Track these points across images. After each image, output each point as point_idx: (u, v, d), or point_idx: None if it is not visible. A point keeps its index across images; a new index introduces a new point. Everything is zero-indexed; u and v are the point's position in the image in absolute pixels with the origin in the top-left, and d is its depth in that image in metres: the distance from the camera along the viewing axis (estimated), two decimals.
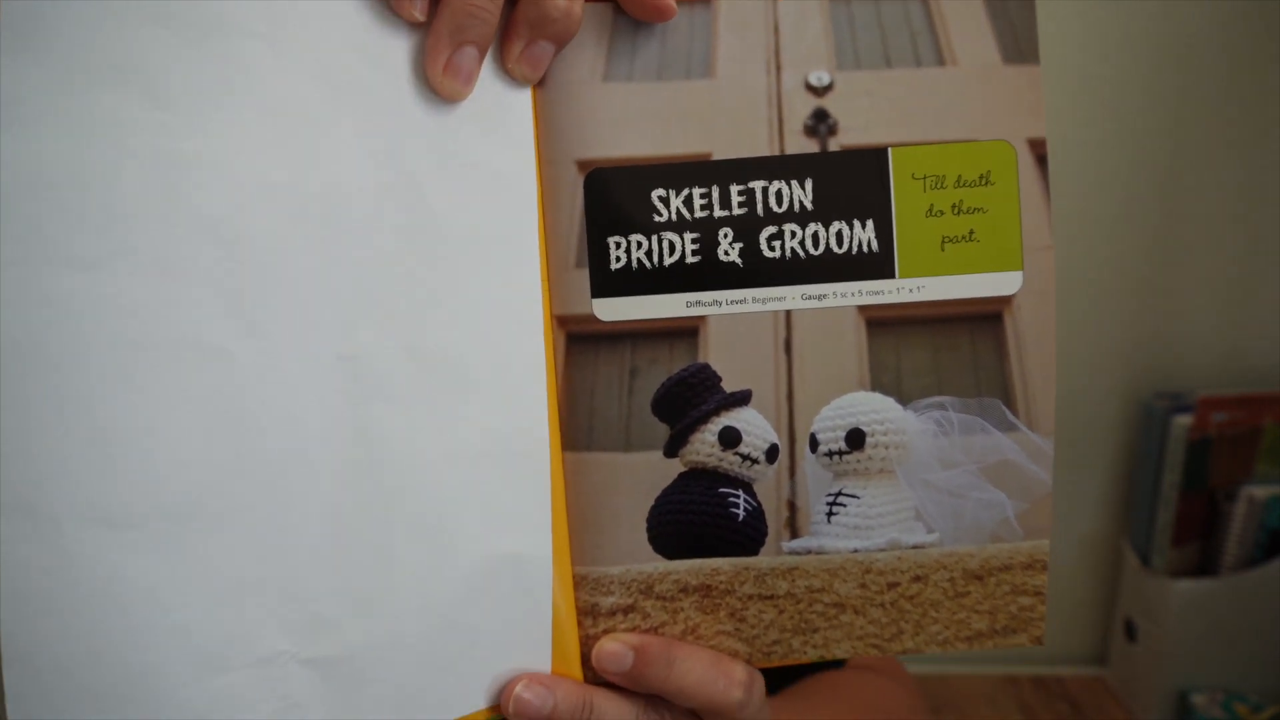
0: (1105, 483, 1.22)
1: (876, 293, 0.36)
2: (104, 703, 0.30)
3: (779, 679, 0.52)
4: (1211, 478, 1.10)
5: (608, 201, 0.36)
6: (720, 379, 0.36)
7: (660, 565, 0.37)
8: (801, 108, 0.36)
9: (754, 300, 0.36)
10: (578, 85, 0.36)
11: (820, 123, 0.36)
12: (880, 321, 0.36)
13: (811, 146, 0.36)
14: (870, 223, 0.36)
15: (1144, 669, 1.14)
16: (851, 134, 0.36)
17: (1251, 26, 1.06)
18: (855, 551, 0.36)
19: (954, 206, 0.36)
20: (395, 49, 0.34)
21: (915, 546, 0.37)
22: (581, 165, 0.36)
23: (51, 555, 0.30)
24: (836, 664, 0.56)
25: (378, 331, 0.34)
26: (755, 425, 0.36)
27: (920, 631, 0.37)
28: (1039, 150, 0.36)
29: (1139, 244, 1.13)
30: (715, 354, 0.36)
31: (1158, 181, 1.11)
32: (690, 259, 0.36)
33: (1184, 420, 1.08)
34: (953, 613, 0.37)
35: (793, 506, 0.37)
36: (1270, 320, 1.15)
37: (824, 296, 0.36)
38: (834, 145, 0.36)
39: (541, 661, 0.37)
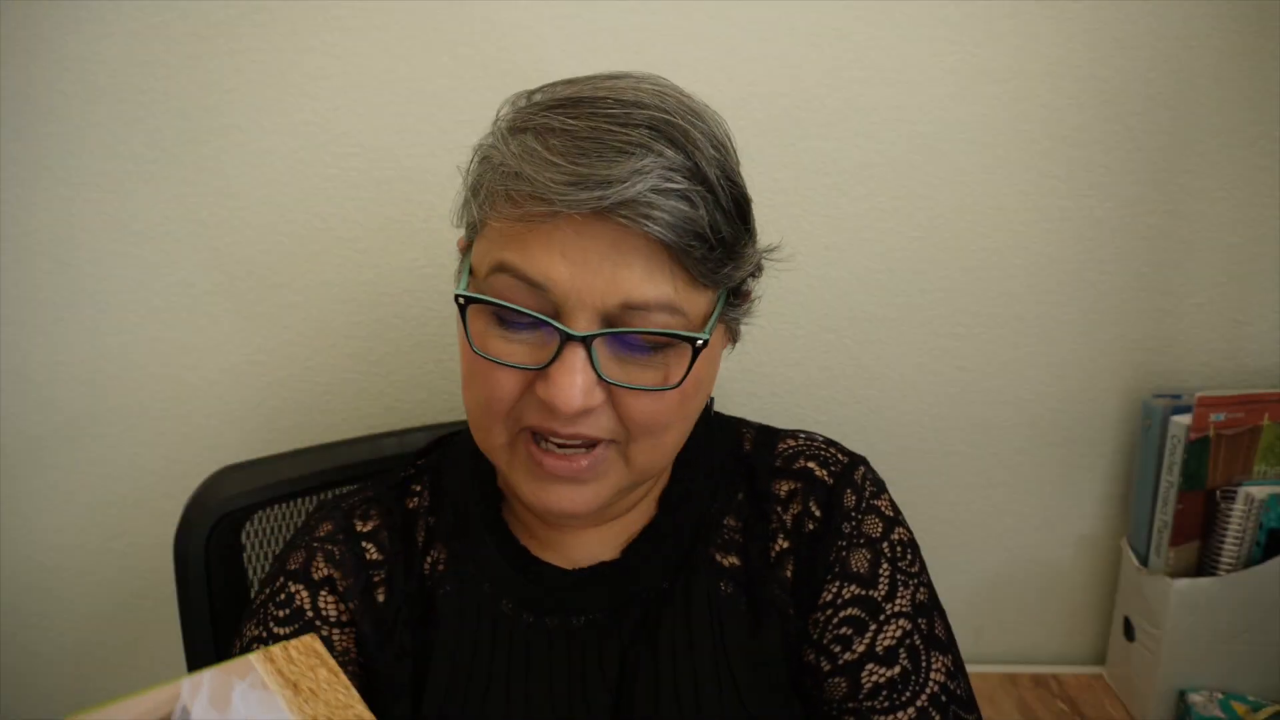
0: (1105, 483, 1.22)
1: None
2: None
3: None
4: (1210, 477, 1.10)
5: None
6: None
7: None
8: None
9: None
10: None
11: None
12: None
13: None
14: None
15: (1143, 668, 1.14)
16: None
17: (1251, 26, 1.06)
18: None
19: None
20: None
21: None
22: None
23: None
24: None
25: None
26: None
27: None
28: None
29: (1139, 244, 1.13)
30: None
31: (1158, 181, 1.11)
32: None
33: (1183, 420, 1.08)
34: None
35: None
36: (1270, 320, 1.16)
37: None
38: None
39: None
